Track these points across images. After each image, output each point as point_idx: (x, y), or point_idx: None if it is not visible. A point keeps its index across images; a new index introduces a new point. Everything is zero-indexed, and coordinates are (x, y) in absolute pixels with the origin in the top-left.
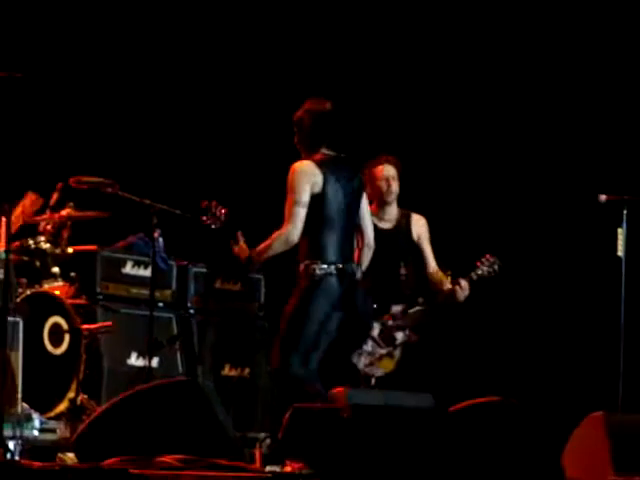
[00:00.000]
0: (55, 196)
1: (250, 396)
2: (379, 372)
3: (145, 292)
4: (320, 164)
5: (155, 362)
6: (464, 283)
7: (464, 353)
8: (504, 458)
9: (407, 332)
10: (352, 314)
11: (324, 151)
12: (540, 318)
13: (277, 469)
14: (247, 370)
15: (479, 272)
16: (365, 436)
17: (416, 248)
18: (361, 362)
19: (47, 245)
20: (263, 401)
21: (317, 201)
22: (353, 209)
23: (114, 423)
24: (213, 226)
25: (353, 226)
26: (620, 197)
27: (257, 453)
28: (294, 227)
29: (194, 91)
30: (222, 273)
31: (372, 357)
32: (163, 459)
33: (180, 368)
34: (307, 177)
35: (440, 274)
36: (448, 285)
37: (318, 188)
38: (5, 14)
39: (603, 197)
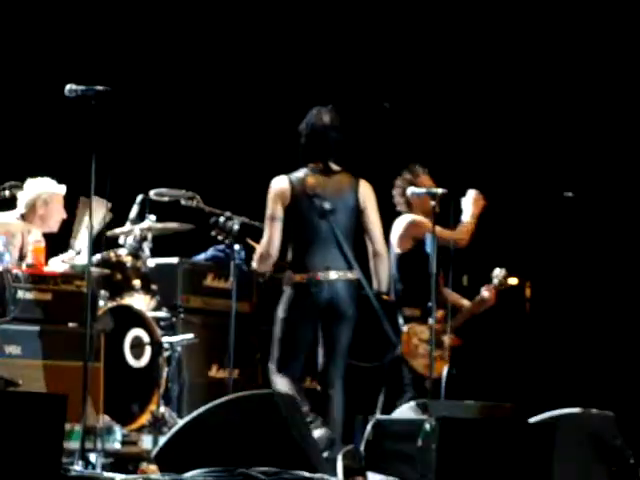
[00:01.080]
0: (136, 209)
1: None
2: (434, 374)
3: (225, 304)
4: (296, 178)
5: (235, 374)
6: (487, 294)
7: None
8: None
9: (451, 336)
10: (334, 321)
11: (317, 164)
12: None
13: None
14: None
15: (496, 282)
16: (450, 448)
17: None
18: (420, 364)
19: (128, 258)
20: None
21: (289, 214)
22: (342, 221)
23: (195, 435)
24: (223, 239)
25: (344, 237)
26: None
27: (339, 465)
28: (266, 242)
29: (269, 106)
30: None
31: (428, 359)
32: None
33: (260, 379)
34: (275, 192)
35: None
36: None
37: (287, 202)
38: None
39: None
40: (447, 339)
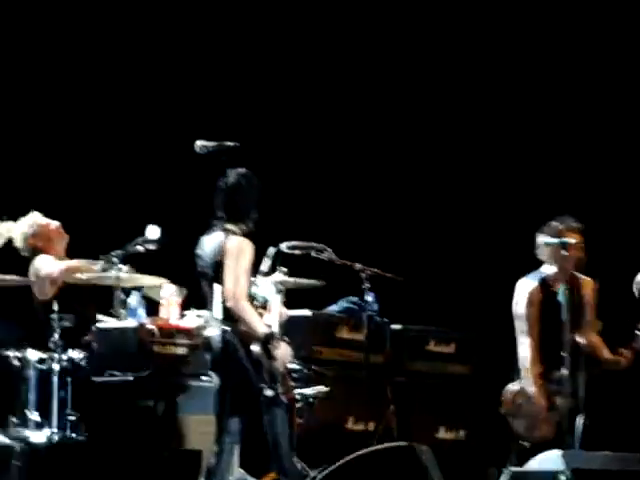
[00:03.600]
0: (267, 262)
1: (466, 457)
2: (537, 437)
3: (359, 356)
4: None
5: (371, 426)
6: (627, 353)
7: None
8: None
9: (567, 398)
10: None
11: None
12: None
13: None
14: (462, 432)
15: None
16: None
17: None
18: (521, 425)
19: (260, 310)
20: (478, 461)
21: None
22: (210, 273)
23: None
24: None
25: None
26: None
27: None
28: None
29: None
30: (436, 335)
31: (532, 420)
32: None
33: (395, 431)
34: None
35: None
36: (608, 355)
37: None
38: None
39: None
40: (560, 401)
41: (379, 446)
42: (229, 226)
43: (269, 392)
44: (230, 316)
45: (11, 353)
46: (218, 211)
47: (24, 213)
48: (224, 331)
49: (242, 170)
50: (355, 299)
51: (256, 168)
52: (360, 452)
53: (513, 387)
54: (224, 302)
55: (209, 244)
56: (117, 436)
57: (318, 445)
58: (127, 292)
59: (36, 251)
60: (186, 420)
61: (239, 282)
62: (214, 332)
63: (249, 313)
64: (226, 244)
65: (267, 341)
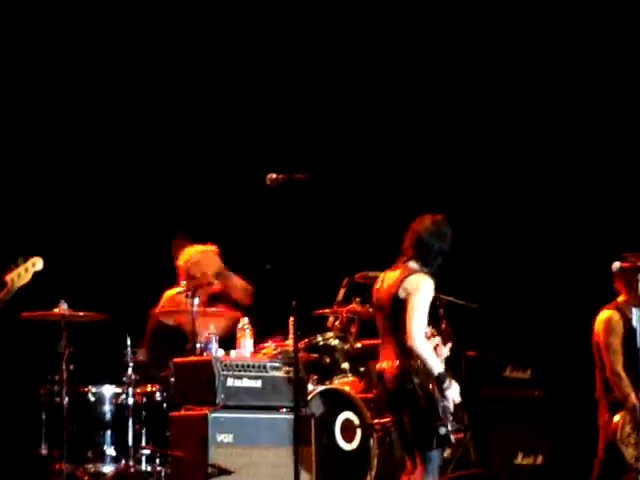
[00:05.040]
0: (342, 292)
1: None
2: None
3: None
4: None
5: (446, 453)
6: None
7: None
8: None
9: None
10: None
11: None
12: None
13: None
14: (540, 458)
15: None
16: None
17: None
18: (629, 454)
19: (336, 341)
20: None
21: None
22: (388, 308)
23: None
24: None
25: None
26: None
27: None
28: None
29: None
30: (512, 360)
31: (637, 450)
32: None
33: (472, 457)
34: None
35: None
36: None
37: None
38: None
39: None
40: None
41: (457, 473)
42: (412, 264)
43: (443, 430)
44: (406, 352)
45: (87, 389)
46: (406, 250)
47: None
48: (400, 367)
49: (439, 217)
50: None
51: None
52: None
53: (619, 416)
54: (403, 339)
55: (389, 279)
56: (189, 472)
57: (394, 474)
58: None
59: None
60: (259, 453)
61: (418, 320)
62: (388, 366)
63: (427, 351)
64: (405, 282)
65: (442, 380)
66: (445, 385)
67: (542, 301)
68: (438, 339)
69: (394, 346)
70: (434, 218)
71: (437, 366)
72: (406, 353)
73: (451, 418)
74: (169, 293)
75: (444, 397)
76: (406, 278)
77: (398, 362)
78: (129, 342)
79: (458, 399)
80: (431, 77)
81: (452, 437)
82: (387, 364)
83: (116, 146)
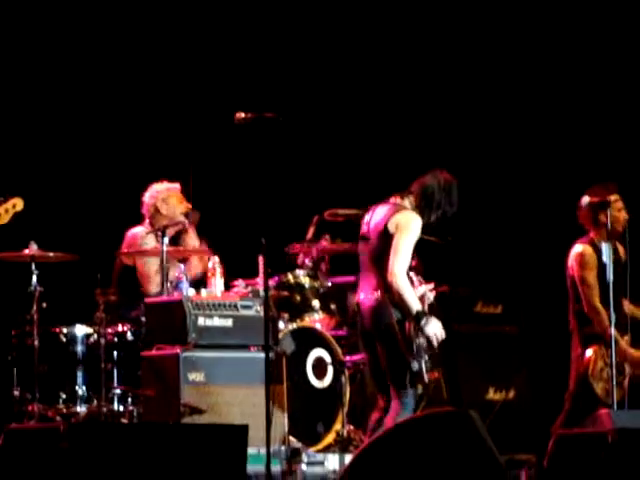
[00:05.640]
0: (312, 229)
1: (516, 417)
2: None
3: None
4: None
5: (419, 389)
6: None
7: None
8: None
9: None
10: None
11: None
12: None
13: None
14: (511, 393)
15: None
16: (631, 461)
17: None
18: (600, 388)
19: (306, 279)
20: (526, 423)
21: None
22: (374, 241)
23: (383, 455)
24: None
25: None
26: None
27: (524, 477)
28: None
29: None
30: (483, 296)
31: (609, 385)
32: None
33: (444, 393)
34: None
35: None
36: None
37: None
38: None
39: None
40: (628, 367)
41: (429, 411)
42: (406, 203)
43: (416, 365)
44: (386, 286)
45: (59, 329)
46: (408, 192)
47: None
48: (378, 299)
49: (453, 179)
50: None
51: (295, 137)
52: (409, 417)
53: (592, 350)
54: (384, 273)
55: (380, 213)
56: (162, 411)
57: (366, 410)
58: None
59: None
60: (231, 392)
61: (401, 258)
62: (366, 299)
63: (406, 288)
64: (396, 217)
65: (419, 317)
66: (422, 322)
67: (512, 235)
68: (425, 288)
69: (375, 279)
70: (448, 177)
71: (415, 303)
72: (386, 287)
73: (426, 357)
74: (133, 232)
75: (421, 334)
76: (397, 213)
77: (377, 295)
78: (100, 282)
79: (442, 335)
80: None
81: (425, 376)
82: (365, 296)
83: (81, 85)
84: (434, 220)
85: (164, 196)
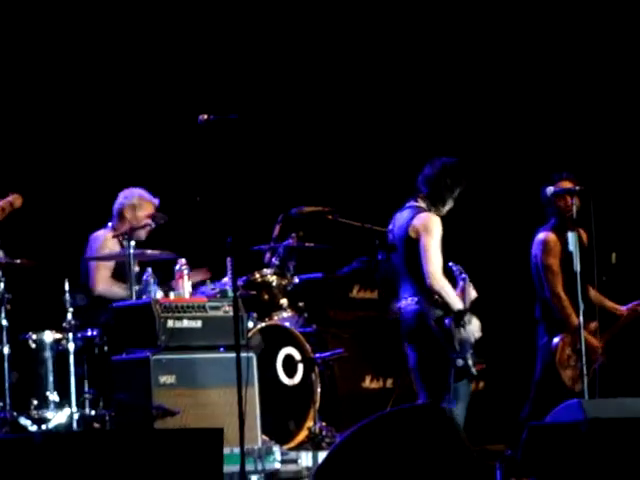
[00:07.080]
0: (278, 227)
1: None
2: (578, 388)
3: (373, 314)
4: None
5: (389, 383)
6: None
7: None
8: None
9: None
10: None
11: None
12: None
13: None
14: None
15: None
16: (604, 450)
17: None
18: (567, 376)
19: (273, 277)
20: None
21: None
22: (401, 248)
23: (357, 450)
24: None
25: None
26: None
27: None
28: None
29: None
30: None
31: (576, 372)
32: None
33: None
34: None
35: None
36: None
37: None
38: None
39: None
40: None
41: (403, 406)
42: (420, 203)
43: (460, 362)
44: (424, 289)
45: (28, 336)
46: (418, 191)
47: None
48: (419, 302)
49: (453, 160)
50: (365, 258)
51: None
52: (382, 412)
53: (559, 338)
54: (420, 278)
55: (400, 220)
56: (135, 414)
57: (338, 407)
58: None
59: None
60: (203, 393)
61: (433, 260)
62: (407, 303)
63: (446, 288)
64: (413, 223)
65: (461, 316)
66: (464, 320)
67: (475, 225)
68: (466, 279)
69: (412, 285)
70: (445, 159)
71: (456, 302)
72: (424, 290)
73: (471, 351)
74: (95, 236)
75: (463, 331)
76: (414, 218)
77: (417, 299)
78: (67, 287)
79: (479, 334)
80: None
81: (473, 369)
82: (405, 302)
83: (47, 87)
84: (454, 200)
85: (135, 203)
